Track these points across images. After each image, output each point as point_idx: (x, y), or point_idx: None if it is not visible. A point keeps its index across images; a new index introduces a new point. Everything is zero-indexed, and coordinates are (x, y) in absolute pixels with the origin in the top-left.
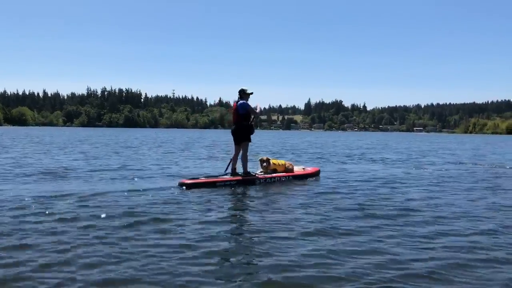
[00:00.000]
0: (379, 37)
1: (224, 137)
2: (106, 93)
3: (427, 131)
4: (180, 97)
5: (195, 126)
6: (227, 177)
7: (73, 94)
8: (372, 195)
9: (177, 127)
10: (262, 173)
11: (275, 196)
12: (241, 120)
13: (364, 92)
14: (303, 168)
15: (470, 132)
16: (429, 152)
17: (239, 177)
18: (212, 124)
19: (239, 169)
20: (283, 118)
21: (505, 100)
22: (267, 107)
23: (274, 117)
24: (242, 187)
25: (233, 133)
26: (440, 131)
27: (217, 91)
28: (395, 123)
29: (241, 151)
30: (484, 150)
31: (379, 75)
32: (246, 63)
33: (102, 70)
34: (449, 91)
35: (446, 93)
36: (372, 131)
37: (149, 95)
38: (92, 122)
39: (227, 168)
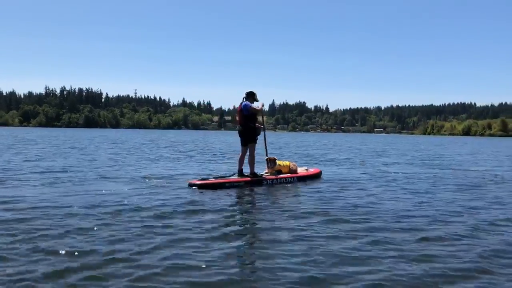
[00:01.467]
0: (341, 40)
1: (184, 138)
2: (65, 92)
3: (387, 132)
4: (142, 97)
5: (157, 126)
6: (236, 178)
7: (30, 93)
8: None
9: (139, 128)
10: (267, 173)
11: (281, 198)
12: (247, 121)
13: (326, 94)
14: (306, 169)
15: (429, 134)
16: (405, 153)
17: (248, 178)
18: (175, 125)
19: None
20: None
21: (460, 102)
22: (231, 107)
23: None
24: (251, 188)
25: (239, 134)
26: (400, 132)
27: (181, 91)
28: (357, 124)
29: (247, 152)
30: (448, 151)
31: (341, 77)
32: (209, 64)
33: (61, 69)
34: (408, 94)
35: (405, 96)
36: (335, 132)
37: (110, 95)
38: (50, 122)
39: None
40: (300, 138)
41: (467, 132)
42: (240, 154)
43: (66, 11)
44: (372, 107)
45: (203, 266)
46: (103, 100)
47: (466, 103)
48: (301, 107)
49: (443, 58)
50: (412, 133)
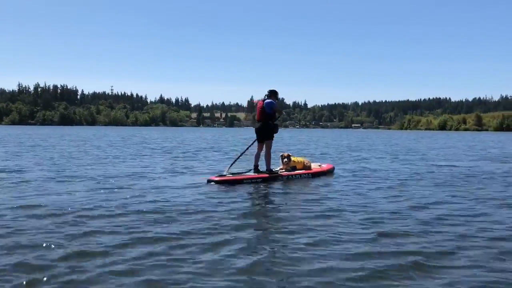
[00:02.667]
0: (319, 36)
1: (156, 135)
2: (39, 89)
3: (365, 128)
4: (119, 93)
5: (135, 123)
6: (253, 174)
7: (2, 90)
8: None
9: (116, 125)
10: (282, 169)
11: (298, 196)
12: (267, 119)
13: (304, 90)
14: (319, 165)
15: (406, 129)
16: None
17: (265, 175)
18: (153, 122)
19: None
20: (226, 116)
21: (436, 97)
22: (209, 104)
23: (217, 115)
24: (267, 184)
25: (257, 131)
26: (377, 128)
27: (158, 87)
28: (335, 120)
29: (264, 149)
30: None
31: (319, 73)
32: (187, 60)
33: (34, 65)
34: (385, 89)
35: (382, 91)
36: (313, 128)
37: (86, 92)
38: (24, 120)
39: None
40: (280, 134)
41: (443, 127)
42: (256, 150)
43: (38, 8)
44: (349, 103)
45: (218, 266)
46: (78, 97)
47: (441, 98)
48: (279, 103)
49: (419, 54)
50: (389, 128)
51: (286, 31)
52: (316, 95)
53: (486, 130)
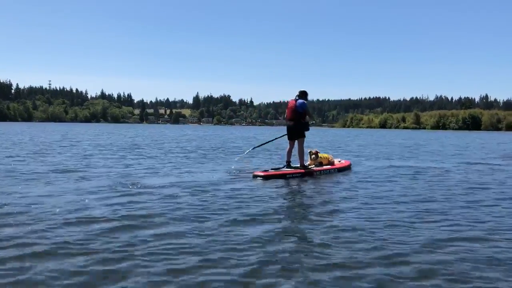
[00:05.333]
0: (264, 34)
1: (94, 131)
2: None
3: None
4: (58, 88)
5: (74, 120)
6: (293, 170)
7: None
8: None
9: (54, 121)
10: (310, 165)
11: (338, 189)
12: (299, 118)
13: (250, 87)
14: (339, 161)
15: (348, 127)
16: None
17: (302, 170)
18: (94, 118)
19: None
20: (171, 112)
21: (376, 97)
22: (153, 100)
23: (162, 111)
24: (307, 178)
25: (289, 130)
26: (321, 125)
27: (99, 82)
28: (280, 117)
29: (296, 146)
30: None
31: (265, 71)
32: (130, 53)
33: None
34: (327, 89)
35: (325, 90)
36: (259, 125)
37: (21, 86)
38: None
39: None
40: (226, 131)
41: (383, 125)
42: (288, 147)
43: None
44: None
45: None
46: (13, 91)
47: (381, 97)
48: (226, 100)
49: (358, 55)
50: (333, 126)
51: (231, 28)
52: (261, 93)
53: (424, 128)
